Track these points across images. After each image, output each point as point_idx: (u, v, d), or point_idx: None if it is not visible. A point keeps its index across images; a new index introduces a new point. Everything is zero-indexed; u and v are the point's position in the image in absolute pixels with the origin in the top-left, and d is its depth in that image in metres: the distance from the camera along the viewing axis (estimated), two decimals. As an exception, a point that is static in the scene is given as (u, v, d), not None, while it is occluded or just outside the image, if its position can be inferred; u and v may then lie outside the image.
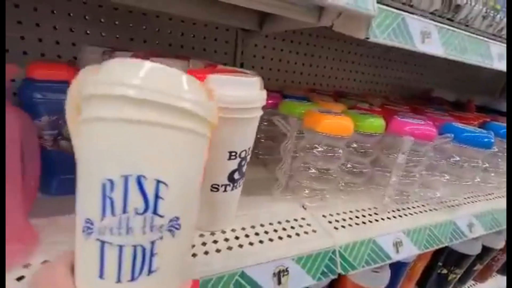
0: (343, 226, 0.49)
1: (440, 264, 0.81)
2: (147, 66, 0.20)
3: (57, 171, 0.43)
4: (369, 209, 0.56)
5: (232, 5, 0.45)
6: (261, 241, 0.41)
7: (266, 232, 0.43)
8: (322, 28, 0.49)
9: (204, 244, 0.39)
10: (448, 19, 0.48)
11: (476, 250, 0.79)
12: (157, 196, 0.19)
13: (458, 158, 0.60)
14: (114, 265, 0.19)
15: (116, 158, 0.19)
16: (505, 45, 0.53)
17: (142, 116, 0.19)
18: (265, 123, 0.64)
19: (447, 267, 0.81)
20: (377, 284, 0.63)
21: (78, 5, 0.63)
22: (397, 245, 0.51)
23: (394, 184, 0.54)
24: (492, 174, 0.73)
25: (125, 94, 0.18)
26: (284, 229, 0.45)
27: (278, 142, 0.54)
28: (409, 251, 0.52)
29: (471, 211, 0.64)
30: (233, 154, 0.36)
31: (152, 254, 0.20)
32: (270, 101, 0.61)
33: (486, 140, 0.58)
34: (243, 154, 0.37)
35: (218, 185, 0.38)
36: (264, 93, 0.37)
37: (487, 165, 0.65)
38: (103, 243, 0.19)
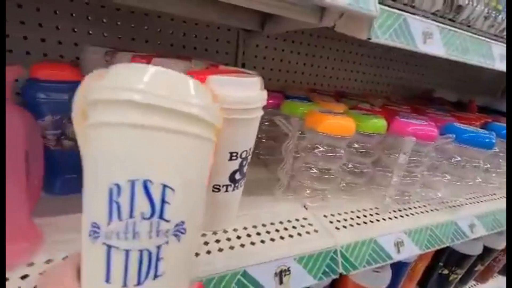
0: (344, 226, 0.49)
1: (441, 264, 0.81)
2: (153, 71, 0.20)
3: (60, 171, 0.43)
4: (371, 209, 0.56)
5: (234, 6, 0.45)
6: (262, 241, 0.41)
7: (268, 232, 0.44)
8: (323, 29, 0.49)
9: (206, 243, 0.39)
10: (450, 19, 0.48)
11: (477, 250, 0.79)
12: (163, 201, 0.20)
13: (459, 159, 0.60)
14: (120, 270, 0.19)
15: (123, 163, 0.19)
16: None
17: (149, 121, 0.19)
18: (267, 123, 0.64)
19: (448, 268, 0.81)
20: (378, 284, 0.63)
21: (80, 6, 0.63)
22: (398, 245, 0.51)
23: (395, 184, 0.54)
24: (494, 175, 0.73)
25: (131, 99, 0.19)
26: (285, 229, 0.45)
27: (279, 142, 0.54)
28: (410, 251, 0.52)
29: (473, 212, 0.64)
30: (234, 154, 0.36)
31: (158, 259, 0.20)
32: (271, 101, 0.62)
33: (487, 140, 0.58)
34: (244, 155, 0.38)
35: (220, 186, 0.38)
36: (264, 93, 0.37)
37: (488, 165, 0.65)
38: (109, 247, 0.19)
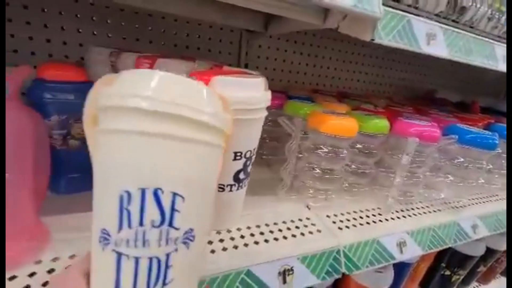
0: (347, 226, 0.49)
1: (443, 265, 0.81)
2: (164, 77, 0.20)
3: (66, 170, 0.43)
4: (373, 209, 0.56)
5: (237, 6, 0.45)
6: (266, 240, 0.42)
7: (271, 232, 0.44)
8: (326, 29, 0.49)
9: (210, 242, 0.39)
10: (453, 20, 0.48)
11: (479, 251, 0.79)
12: (173, 209, 0.20)
13: (462, 159, 0.60)
14: (130, 277, 0.19)
15: (134, 171, 0.19)
16: (511, 46, 0.53)
17: (159, 129, 0.19)
18: (269, 124, 0.64)
19: (451, 268, 0.81)
20: (380, 285, 0.63)
21: (85, 6, 0.64)
22: (401, 245, 0.51)
23: (398, 184, 0.54)
24: (496, 176, 0.73)
25: (141, 107, 0.18)
26: (288, 228, 0.45)
27: (282, 143, 0.54)
28: (413, 252, 0.53)
29: (475, 212, 0.64)
30: (239, 154, 0.37)
31: (167, 266, 0.20)
32: (274, 102, 0.62)
33: (490, 141, 0.58)
34: (248, 154, 0.38)
35: (224, 185, 0.38)
36: (268, 94, 0.37)
37: (491, 166, 0.65)
38: (119, 254, 0.19)
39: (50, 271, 0.30)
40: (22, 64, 0.61)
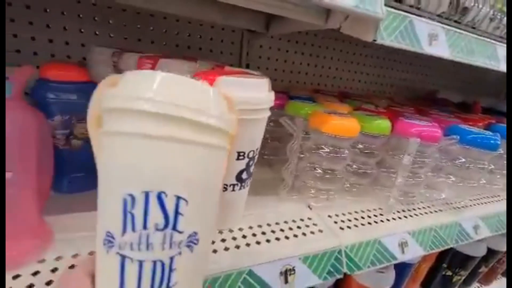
0: (348, 227, 0.49)
1: (444, 265, 0.81)
2: (168, 79, 0.19)
3: (68, 170, 0.44)
4: (375, 209, 0.56)
5: (239, 7, 0.45)
6: (268, 240, 0.42)
7: (273, 232, 0.44)
8: (328, 30, 0.50)
9: (212, 242, 0.39)
10: (455, 21, 0.48)
11: (481, 252, 0.79)
12: (177, 213, 0.19)
13: (463, 160, 0.60)
14: (134, 280, 0.19)
15: (137, 174, 0.19)
16: (512, 47, 0.53)
17: (163, 132, 0.18)
18: (271, 124, 0.64)
19: (452, 269, 0.81)
20: (381, 285, 0.63)
21: (87, 7, 0.64)
22: (403, 245, 0.51)
23: (399, 185, 0.54)
24: (498, 176, 0.73)
25: (145, 109, 0.18)
26: (290, 228, 0.45)
27: (283, 143, 0.54)
28: (414, 252, 0.53)
29: (477, 213, 0.64)
30: (241, 154, 0.37)
31: (171, 270, 0.20)
32: (276, 102, 0.62)
33: (492, 142, 0.58)
34: (251, 154, 0.38)
35: (227, 185, 0.38)
36: (272, 95, 0.37)
37: (492, 166, 0.65)
38: (123, 257, 0.19)
39: (54, 270, 0.30)
40: (25, 64, 0.62)
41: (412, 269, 0.73)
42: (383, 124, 0.54)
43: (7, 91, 0.27)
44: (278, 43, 0.89)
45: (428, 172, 0.59)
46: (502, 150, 0.67)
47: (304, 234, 0.45)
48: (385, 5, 0.38)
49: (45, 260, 0.32)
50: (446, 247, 0.58)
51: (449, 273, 0.81)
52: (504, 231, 0.68)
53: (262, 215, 0.47)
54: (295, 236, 0.44)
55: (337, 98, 0.78)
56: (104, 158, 0.20)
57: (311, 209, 0.52)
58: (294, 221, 0.48)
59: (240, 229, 0.43)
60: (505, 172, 0.73)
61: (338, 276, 0.44)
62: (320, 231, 0.46)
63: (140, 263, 0.19)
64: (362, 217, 0.53)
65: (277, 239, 0.43)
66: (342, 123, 0.48)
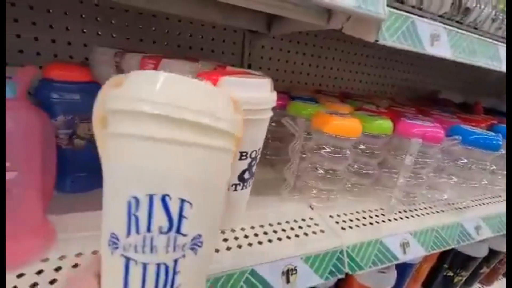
0: (350, 227, 0.49)
1: (446, 266, 0.81)
2: (172, 80, 0.19)
3: (71, 169, 0.44)
4: (376, 210, 0.57)
5: (240, 7, 0.46)
6: (270, 240, 0.42)
7: (275, 232, 0.44)
8: (329, 30, 0.50)
9: (214, 242, 0.40)
10: (457, 21, 0.48)
11: (482, 252, 0.79)
12: (181, 216, 0.19)
13: (465, 160, 0.60)
14: (138, 282, 0.19)
15: (142, 176, 0.19)
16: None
17: (167, 135, 0.18)
18: (273, 124, 0.64)
19: (453, 269, 0.81)
20: (383, 285, 0.63)
21: (90, 7, 0.64)
22: (404, 246, 0.51)
23: (401, 185, 0.54)
24: (500, 177, 0.73)
25: (149, 111, 0.18)
26: (292, 228, 0.46)
27: (285, 143, 0.54)
28: (416, 252, 0.53)
29: (479, 214, 0.64)
30: (244, 154, 0.37)
31: (174, 272, 0.20)
32: (277, 102, 0.62)
33: (494, 142, 0.58)
34: (253, 155, 0.38)
35: (229, 185, 0.38)
36: (274, 95, 0.37)
37: (494, 167, 0.65)
38: (128, 259, 0.19)
39: (57, 269, 0.31)
40: (28, 64, 0.62)
41: (413, 269, 0.73)
42: (384, 124, 0.54)
43: (12, 92, 0.27)
44: (279, 44, 0.89)
45: (430, 172, 0.59)
46: (504, 151, 0.67)
47: (306, 234, 0.45)
48: (387, 5, 0.38)
49: (48, 259, 0.32)
50: (448, 248, 0.58)
51: (450, 273, 0.81)
52: (506, 231, 0.68)
53: (264, 215, 0.47)
54: (297, 236, 0.44)
55: (338, 98, 0.78)
56: (109, 159, 0.20)
57: (312, 209, 0.53)
58: (295, 221, 0.48)
59: (242, 229, 0.43)
60: (506, 172, 0.72)
61: (340, 276, 0.44)
62: (322, 231, 0.47)
63: (144, 266, 0.19)
64: (364, 217, 0.53)
65: (279, 239, 0.43)
66: (344, 124, 0.48)
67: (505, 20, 0.52)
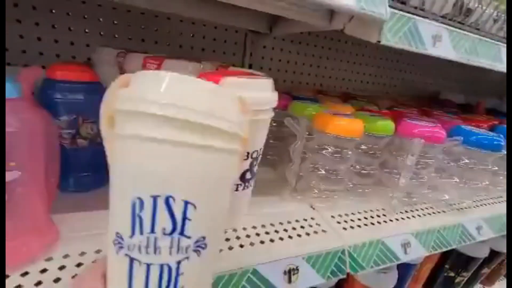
0: (351, 227, 0.50)
1: (447, 266, 0.81)
2: (179, 81, 0.19)
3: (74, 169, 0.44)
4: (378, 210, 0.57)
5: (242, 7, 0.46)
6: (271, 240, 0.42)
7: (277, 232, 0.44)
8: (330, 30, 0.50)
9: (216, 242, 0.40)
10: (459, 22, 0.48)
11: (483, 253, 0.79)
12: (184, 218, 0.19)
13: (467, 161, 0.60)
14: (141, 282, 0.20)
15: (146, 178, 0.19)
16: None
17: (172, 136, 0.18)
18: (274, 124, 0.64)
19: (454, 270, 0.81)
20: (384, 285, 0.63)
21: (92, 7, 0.64)
22: (406, 246, 0.51)
23: (402, 186, 0.54)
24: (501, 177, 0.73)
25: (154, 112, 0.18)
26: (294, 228, 0.46)
27: (287, 143, 0.54)
28: (417, 253, 0.53)
29: (480, 214, 0.64)
30: (246, 154, 0.37)
31: (177, 274, 0.20)
32: (279, 102, 0.62)
33: (495, 143, 0.58)
34: (254, 155, 0.38)
35: (231, 185, 0.38)
36: (276, 95, 0.37)
37: (496, 168, 0.65)
38: (132, 259, 0.19)
39: (61, 268, 0.31)
40: (31, 64, 0.62)
41: (415, 269, 0.73)
42: (386, 124, 0.54)
43: (17, 92, 0.27)
44: (281, 44, 0.89)
45: (431, 173, 0.60)
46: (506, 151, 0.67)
47: (307, 234, 0.45)
48: (389, 6, 0.38)
49: (52, 258, 0.32)
50: (449, 248, 0.58)
51: (452, 274, 0.81)
52: (507, 232, 0.68)
53: (266, 215, 0.48)
54: (299, 236, 0.44)
55: (339, 98, 0.78)
56: (115, 159, 0.20)
57: (314, 209, 0.53)
58: (297, 221, 0.48)
59: (244, 229, 0.43)
60: (508, 173, 0.72)
61: (342, 276, 0.44)
62: (324, 231, 0.47)
63: (148, 266, 0.19)
64: (365, 218, 0.53)
65: (281, 238, 0.43)
66: (346, 124, 0.48)
67: (507, 21, 0.52)
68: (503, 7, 0.51)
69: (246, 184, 0.40)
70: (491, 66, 0.50)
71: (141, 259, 0.19)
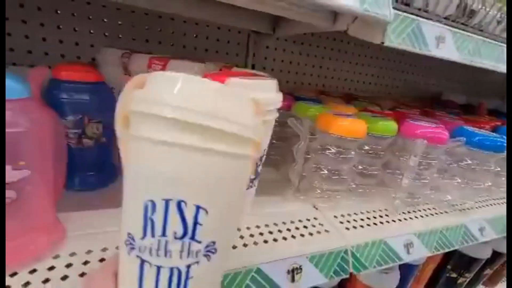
0: (354, 227, 0.50)
1: (449, 267, 0.81)
2: (194, 83, 0.19)
3: (80, 168, 0.44)
4: (380, 210, 0.57)
5: (245, 8, 0.46)
6: (275, 239, 0.42)
7: (280, 231, 0.44)
8: (334, 31, 0.50)
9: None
10: (462, 23, 0.49)
11: (486, 254, 0.79)
12: (196, 222, 0.19)
13: (470, 162, 0.60)
14: (151, 284, 0.20)
15: (158, 181, 0.19)
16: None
17: (185, 140, 0.18)
18: (277, 124, 0.64)
19: (457, 271, 0.81)
20: (386, 286, 0.63)
21: (97, 8, 0.65)
22: (408, 246, 0.51)
23: (405, 186, 0.55)
24: (503, 179, 0.73)
25: (169, 116, 0.17)
26: (297, 228, 0.46)
27: (290, 144, 0.55)
28: (419, 253, 0.53)
29: (483, 215, 0.64)
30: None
31: (187, 277, 0.20)
32: (282, 103, 0.62)
33: (498, 143, 0.58)
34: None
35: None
36: (280, 96, 0.38)
37: (499, 169, 0.65)
38: (143, 261, 0.19)
39: (68, 265, 0.31)
40: (36, 64, 0.63)
41: (417, 270, 0.73)
42: (389, 125, 0.54)
43: (27, 92, 0.28)
44: (284, 44, 0.89)
45: (434, 173, 0.60)
46: (508, 152, 0.67)
47: (310, 234, 0.45)
48: (393, 8, 0.38)
49: (59, 256, 0.32)
50: (452, 249, 0.58)
51: (454, 275, 0.81)
52: (510, 233, 0.68)
53: (269, 215, 0.48)
54: (302, 235, 0.45)
55: (342, 99, 0.78)
56: (129, 159, 0.20)
57: (317, 209, 0.53)
58: (300, 221, 0.48)
59: (248, 228, 0.44)
60: (511, 174, 0.72)
61: (344, 276, 0.44)
62: (327, 231, 0.47)
63: (158, 269, 0.19)
64: (368, 218, 0.53)
65: (284, 238, 0.43)
66: (349, 125, 0.48)
67: (510, 22, 0.52)
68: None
69: (250, 184, 0.40)
70: (494, 67, 0.51)
71: (151, 261, 0.19)
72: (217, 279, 0.24)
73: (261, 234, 0.43)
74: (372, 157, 0.56)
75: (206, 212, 0.19)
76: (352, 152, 0.51)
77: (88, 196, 0.44)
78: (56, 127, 0.32)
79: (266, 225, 0.45)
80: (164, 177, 0.19)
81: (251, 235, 0.42)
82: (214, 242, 0.20)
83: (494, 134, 0.62)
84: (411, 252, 0.51)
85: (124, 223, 0.20)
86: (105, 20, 0.66)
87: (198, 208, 0.19)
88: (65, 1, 0.62)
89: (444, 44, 0.43)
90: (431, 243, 0.55)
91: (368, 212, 0.55)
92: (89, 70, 0.42)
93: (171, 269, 0.19)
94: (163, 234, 0.19)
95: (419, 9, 0.43)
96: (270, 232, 0.44)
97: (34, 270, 0.30)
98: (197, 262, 0.20)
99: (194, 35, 0.77)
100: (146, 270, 0.20)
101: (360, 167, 0.57)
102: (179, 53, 0.75)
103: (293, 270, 0.40)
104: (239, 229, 0.43)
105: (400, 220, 0.55)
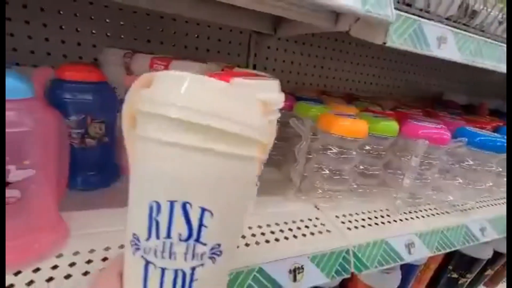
0: (356, 227, 0.50)
1: (450, 267, 0.81)
2: (202, 84, 0.18)
3: (82, 168, 0.45)
4: (382, 210, 0.57)
5: (246, 8, 0.46)
6: (277, 239, 0.42)
7: (282, 231, 0.45)
8: (335, 32, 0.50)
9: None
10: (464, 24, 0.49)
11: (487, 254, 0.79)
12: (201, 224, 0.19)
13: (471, 162, 0.60)
14: (156, 285, 0.20)
15: (164, 182, 0.18)
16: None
17: (191, 141, 0.18)
18: (278, 124, 0.64)
19: (458, 271, 0.81)
20: (387, 286, 0.63)
21: (99, 9, 0.65)
22: (409, 246, 0.51)
23: (406, 186, 0.55)
24: (505, 179, 0.73)
25: (174, 116, 0.17)
26: (299, 228, 0.46)
27: (291, 144, 0.55)
28: (421, 253, 0.53)
29: (484, 215, 0.64)
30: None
31: (191, 280, 0.20)
32: (284, 103, 0.62)
33: (499, 144, 0.58)
34: (261, 155, 0.39)
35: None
36: (282, 96, 0.38)
37: (500, 169, 0.65)
38: (147, 262, 0.19)
39: (72, 264, 0.31)
40: (39, 65, 0.63)
41: (418, 270, 0.73)
42: (390, 125, 0.54)
43: (31, 92, 0.28)
44: (285, 45, 0.90)
45: (435, 174, 0.60)
46: (510, 153, 0.67)
47: (312, 233, 0.45)
48: (395, 8, 0.38)
49: (63, 254, 0.32)
50: (453, 249, 0.58)
51: (455, 275, 0.81)
52: (511, 233, 0.68)
53: (271, 215, 0.48)
54: (304, 235, 0.45)
55: (343, 99, 0.78)
56: (135, 159, 0.20)
57: (318, 209, 0.53)
58: (302, 220, 0.48)
59: (250, 228, 0.44)
60: (512, 174, 0.72)
61: (346, 276, 0.44)
62: (328, 231, 0.47)
63: (163, 270, 0.19)
64: (369, 218, 0.53)
65: (286, 238, 0.43)
66: (351, 125, 0.48)
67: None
68: (508, 9, 0.51)
69: (252, 183, 0.40)
70: (495, 68, 0.51)
71: (156, 262, 0.19)
72: (222, 282, 0.24)
73: (263, 234, 0.43)
74: (374, 157, 0.56)
75: (212, 214, 0.19)
76: (354, 152, 0.51)
77: (91, 196, 0.44)
78: (59, 127, 0.32)
79: (268, 225, 0.46)
80: (168, 178, 0.18)
81: (253, 235, 0.43)
82: (219, 245, 0.20)
83: (495, 134, 0.62)
84: (412, 252, 0.51)
85: (130, 223, 0.20)
86: (107, 20, 0.67)
87: (203, 210, 0.19)
88: (67, 1, 0.62)
89: (445, 44, 0.44)
90: (432, 243, 0.55)
91: (369, 212, 0.56)
92: (92, 70, 0.42)
93: (176, 271, 0.19)
94: (168, 235, 0.19)
95: (421, 10, 0.43)
96: (272, 232, 0.44)
97: (37, 269, 0.30)
98: (202, 265, 0.20)
99: (196, 35, 0.77)
100: (150, 271, 0.19)
101: (361, 167, 0.57)
102: (180, 53, 0.75)
103: (294, 270, 0.40)
104: (241, 229, 0.43)
105: (401, 220, 0.55)
